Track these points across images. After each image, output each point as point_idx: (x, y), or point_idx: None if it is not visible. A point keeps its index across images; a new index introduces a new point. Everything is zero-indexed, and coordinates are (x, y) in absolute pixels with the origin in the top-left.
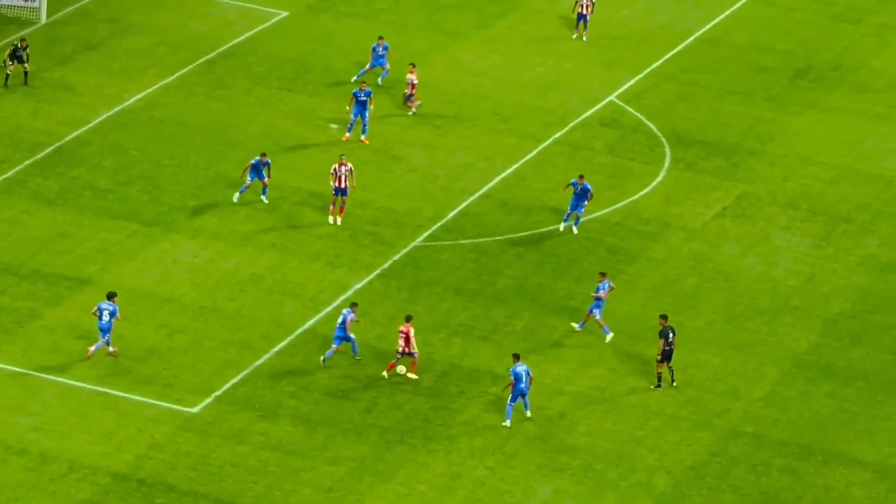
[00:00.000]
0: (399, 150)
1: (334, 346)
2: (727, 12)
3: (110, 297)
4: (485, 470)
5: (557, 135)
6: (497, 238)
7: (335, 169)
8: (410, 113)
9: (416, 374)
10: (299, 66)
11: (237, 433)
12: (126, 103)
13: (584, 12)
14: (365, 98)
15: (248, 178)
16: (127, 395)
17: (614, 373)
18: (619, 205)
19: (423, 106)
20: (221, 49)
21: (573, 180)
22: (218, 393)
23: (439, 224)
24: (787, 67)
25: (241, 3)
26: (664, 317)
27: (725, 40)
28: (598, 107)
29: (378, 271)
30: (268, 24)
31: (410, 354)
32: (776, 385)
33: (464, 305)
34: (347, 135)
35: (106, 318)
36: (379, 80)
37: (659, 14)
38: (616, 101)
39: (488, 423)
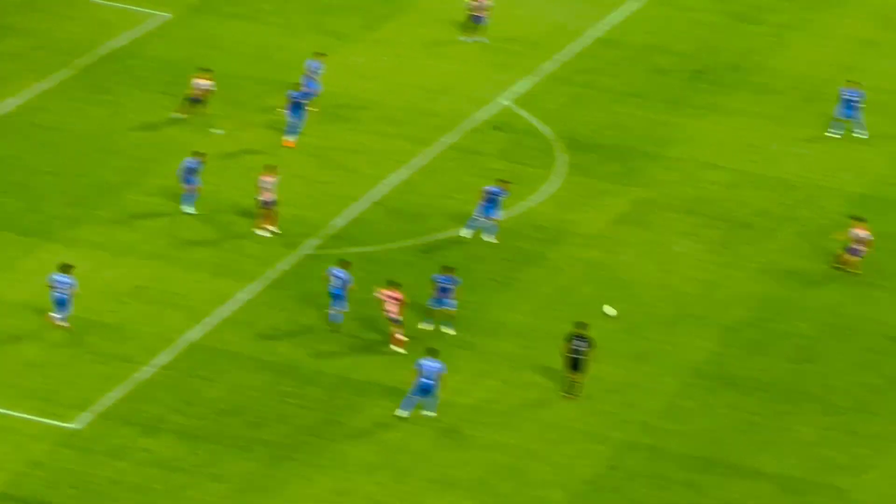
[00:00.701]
0: (285, 156)
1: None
2: (624, 12)
3: (64, 269)
4: (375, 486)
5: (449, 139)
6: (388, 246)
7: (262, 181)
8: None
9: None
10: (182, 70)
11: (119, 449)
12: (1, 110)
13: (479, 14)
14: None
15: (188, 183)
16: (4, 410)
17: (508, 384)
18: (512, 211)
19: (311, 110)
20: (101, 52)
21: (495, 187)
22: (99, 408)
23: (328, 232)
24: (686, 69)
25: (121, 5)
26: (580, 325)
27: (622, 41)
28: (490, 110)
29: (264, 281)
30: (149, 26)
31: (398, 322)
32: (675, 396)
33: (353, 316)
34: (290, 139)
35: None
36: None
37: (553, 15)
38: (509, 104)
39: (379, 438)
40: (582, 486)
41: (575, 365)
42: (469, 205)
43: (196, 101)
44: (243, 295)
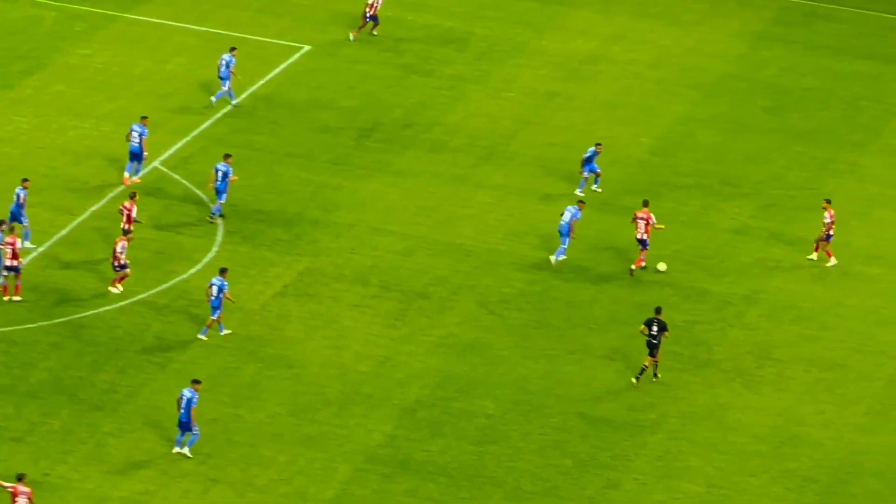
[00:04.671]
0: None
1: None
2: (283, 66)
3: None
4: None
5: (95, 207)
6: (29, 326)
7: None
8: None
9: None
10: None
11: None
12: None
13: (373, 12)
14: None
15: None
16: None
17: (165, 475)
18: (166, 285)
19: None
20: None
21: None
22: None
23: None
24: (353, 126)
25: None
26: (657, 309)
27: (282, 97)
28: (141, 174)
29: None
30: None
31: (123, 267)
32: (348, 483)
33: None
34: (127, 175)
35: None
36: (232, 101)
37: (204, 70)
38: (160, 167)
39: None
40: None
41: (651, 348)
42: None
43: None
44: None
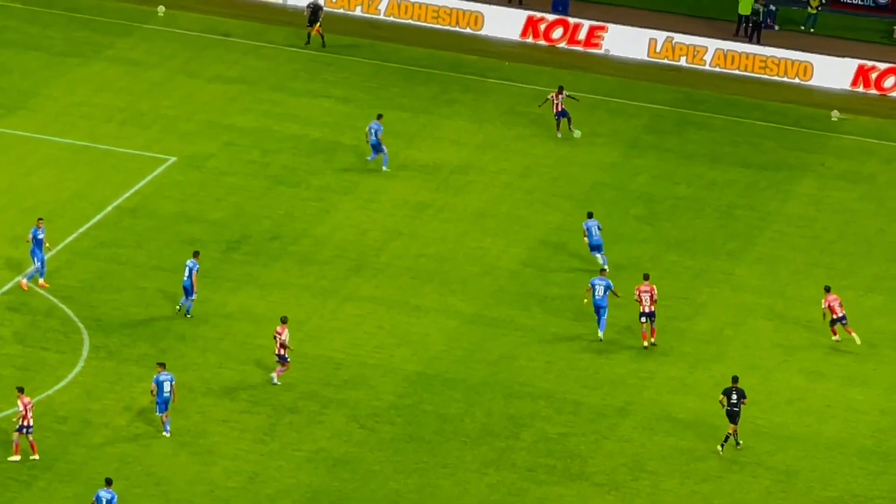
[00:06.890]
0: None
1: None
2: (149, 178)
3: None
4: None
5: None
6: None
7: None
8: None
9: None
10: None
11: None
12: None
13: (559, 110)
14: (42, 237)
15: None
16: None
17: None
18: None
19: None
20: None
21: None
22: None
23: None
24: (220, 239)
25: None
26: (734, 378)
27: (148, 209)
28: (3, 289)
29: None
30: None
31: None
32: None
33: None
34: (24, 282)
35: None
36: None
37: (71, 181)
38: (25, 283)
39: None
40: None
41: (731, 417)
42: None
43: None
44: None
